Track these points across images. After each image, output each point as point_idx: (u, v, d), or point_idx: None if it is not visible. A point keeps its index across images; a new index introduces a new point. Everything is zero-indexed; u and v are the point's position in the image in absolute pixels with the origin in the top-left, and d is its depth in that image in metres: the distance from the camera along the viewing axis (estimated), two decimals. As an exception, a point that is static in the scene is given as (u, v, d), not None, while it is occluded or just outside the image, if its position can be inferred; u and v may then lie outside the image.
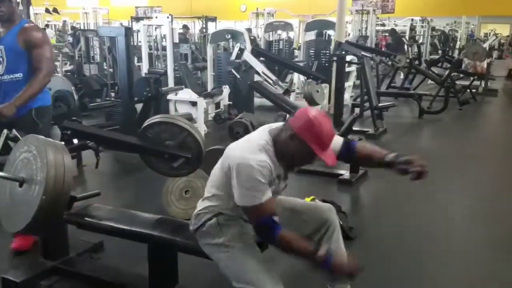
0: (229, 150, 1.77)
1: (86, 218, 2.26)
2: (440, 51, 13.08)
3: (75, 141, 2.61)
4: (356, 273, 1.64)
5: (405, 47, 11.76)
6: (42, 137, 1.94)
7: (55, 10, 9.24)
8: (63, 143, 2.08)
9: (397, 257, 2.73)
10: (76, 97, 4.27)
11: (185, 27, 11.43)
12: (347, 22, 11.06)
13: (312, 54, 8.13)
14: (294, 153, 1.71)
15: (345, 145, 1.93)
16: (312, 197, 2.92)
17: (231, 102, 6.29)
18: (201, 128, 5.57)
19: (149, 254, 2.15)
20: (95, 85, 6.01)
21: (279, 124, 1.84)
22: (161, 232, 2.11)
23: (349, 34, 10.77)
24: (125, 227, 2.16)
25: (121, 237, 2.23)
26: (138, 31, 8.28)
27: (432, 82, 8.56)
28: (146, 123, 2.35)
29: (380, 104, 5.66)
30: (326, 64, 7.56)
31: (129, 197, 3.82)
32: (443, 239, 3.03)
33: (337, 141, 1.90)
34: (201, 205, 1.90)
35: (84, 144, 2.58)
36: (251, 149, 1.71)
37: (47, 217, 1.77)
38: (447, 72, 8.08)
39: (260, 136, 1.78)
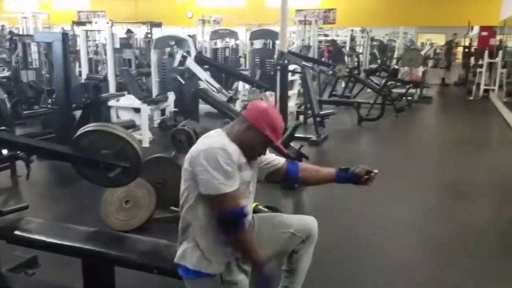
0: (191, 151, 1.75)
1: (16, 232, 2.16)
2: (379, 61, 13.70)
3: (5, 151, 2.49)
4: None
5: (345, 57, 12.21)
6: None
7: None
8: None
9: (335, 259, 2.82)
10: (8, 104, 4.05)
11: (129, 31, 11.18)
12: (291, 32, 11.33)
13: (257, 62, 8.24)
14: (251, 143, 1.76)
15: (291, 163, 2.01)
16: (255, 203, 2.96)
17: (177, 109, 6.25)
18: (146, 135, 5.48)
19: (83, 269, 2.08)
20: (30, 91, 5.74)
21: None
22: (95, 245, 2.06)
23: (293, 43, 11.02)
24: (56, 241, 2.08)
25: (53, 251, 2.15)
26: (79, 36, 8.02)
27: (371, 90, 8.93)
28: (79, 132, 2.28)
29: (321, 112, 5.84)
30: (272, 73, 7.69)
31: (65, 209, 3.69)
32: (380, 243, 3.17)
33: (278, 158, 1.99)
34: (182, 237, 1.77)
35: (13, 154, 2.45)
36: (212, 139, 1.74)
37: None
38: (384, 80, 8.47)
39: (213, 131, 1.83)
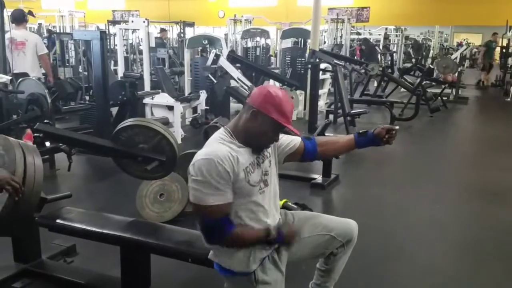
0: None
1: (58, 221, 2.26)
2: (413, 60, 13.43)
3: (48, 143, 2.60)
4: (293, 239, 1.73)
5: (378, 55, 12.03)
6: (12, 138, 1.95)
7: (30, 13, 9.04)
8: (35, 145, 2.09)
9: (364, 259, 2.81)
10: (49, 100, 4.22)
11: (162, 30, 11.40)
12: (323, 30, 11.28)
13: (288, 61, 8.25)
14: (259, 131, 1.65)
15: (307, 141, 1.93)
16: (284, 200, 2.98)
17: (208, 107, 6.34)
18: (178, 132, 5.59)
19: (121, 256, 2.17)
20: (69, 88, 5.94)
21: None
22: (133, 234, 2.13)
23: (325, 42, 10.96)
24: (96, 229, 2.17)
25: (93, 239, 2.24)
26: (115, 34, 8.25)
27: (405, 90, 8.79)
28: (119, 126, 2.38)
29: (352, 111, 5.80)
30: (302, 71, 7.68)
31: (102, 200, 3.82)
32: (410, 242, 3.14)
33: (294, 139, 1.92)
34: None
35: (56, 146, 2.57)
36: (208, 146, 1.67)
37: (18, 216, 1.77)
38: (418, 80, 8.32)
39: (216, 134, 1.73)
